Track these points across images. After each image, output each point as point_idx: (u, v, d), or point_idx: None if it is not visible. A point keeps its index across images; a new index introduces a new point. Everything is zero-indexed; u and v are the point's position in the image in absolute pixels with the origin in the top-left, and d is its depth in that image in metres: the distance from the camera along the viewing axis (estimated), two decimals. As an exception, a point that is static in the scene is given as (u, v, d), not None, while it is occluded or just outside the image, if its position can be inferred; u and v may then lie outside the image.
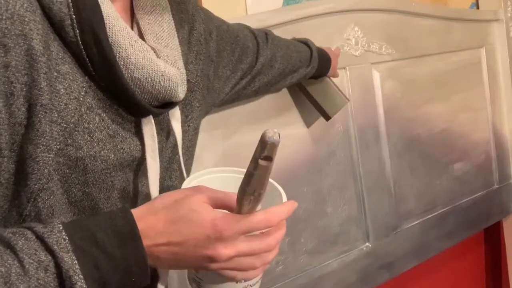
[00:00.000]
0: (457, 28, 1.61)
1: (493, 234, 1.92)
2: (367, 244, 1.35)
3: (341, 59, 1.28)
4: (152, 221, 0.48)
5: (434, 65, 1.54)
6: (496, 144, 1.75)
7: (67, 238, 0.44)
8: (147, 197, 0.59)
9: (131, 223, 0.47)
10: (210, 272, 0.51)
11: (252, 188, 0.46)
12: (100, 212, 0.53)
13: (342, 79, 1.29)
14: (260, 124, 1.11)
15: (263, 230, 0.50)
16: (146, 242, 0.47)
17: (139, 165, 0.57)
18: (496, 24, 1.75)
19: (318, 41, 1.18)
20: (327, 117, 1.14)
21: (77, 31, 0.48)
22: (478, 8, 1.80)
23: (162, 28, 0.59)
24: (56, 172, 0.48)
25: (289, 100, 1.17)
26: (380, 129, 1.37)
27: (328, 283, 1.26)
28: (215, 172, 0.60)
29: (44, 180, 0.47)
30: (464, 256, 1.83)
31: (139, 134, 0.56)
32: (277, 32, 1.05)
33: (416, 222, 1.48)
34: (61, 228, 0.44)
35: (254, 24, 1.10)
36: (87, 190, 0.52)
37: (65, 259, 0.43)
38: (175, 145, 0.63)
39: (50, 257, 0.43)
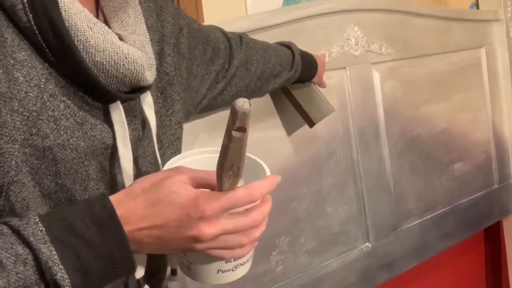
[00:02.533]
0: (457, 28, 1.61)
1: (493, 234, 1.92)
2: (367, 244, 1.35)
3: (341, 59, 1.28)
4: (131, 206, 0.47)
5: (434, 65, 1.54)
6: (496, 144, 1.75)
7: (44, 229, 0.43)
8: (124, 187, 0.57)
9: (109, 209, 0.46)
10: (198, 254, 0.51)
11: (229, 162, 0.45)
12: (74, 202, 0.52)
13: (342, 79, 1.29)
14: (260, 124, 1.11)
15: (247, 206, 0.49)
16: (127, 227, 0.46)
17: (114, 153, 0.55)
18: (496, 24, 1.75)
19: (318, 41, 1.18)
20: (311, 124, 1.11)
21: (30, 15, 0.46)
22: (478, 8, 1.80)
23: (128, 15, 0.57)
24: (25, 164, 0.46)
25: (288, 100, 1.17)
26: (380, 129, 1.37)
27: (328, 283, 1.26)
28: (197, 154, 0.59)
29: (13, 172, 0.45)
30: (464, 256, 1.83)
31: (109, 121, 0.54)
32: (277, 32, 1.05)
33: (416, 222, 1.48)
34: (37, 219, 0.43)
35: (254, 24, 1.10)
36: (60, 181, 0.50)
37: (42, 250, 0.42)
38: (150, 135, 0.61)
39: (27, 250, 0.42)
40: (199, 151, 0.60)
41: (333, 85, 1.27)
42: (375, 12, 1.37)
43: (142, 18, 0.59)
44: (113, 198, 0.47)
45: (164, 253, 0.53)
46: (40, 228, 0.43)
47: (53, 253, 0.42)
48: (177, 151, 0.68)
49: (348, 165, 1.30)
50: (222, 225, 0.47)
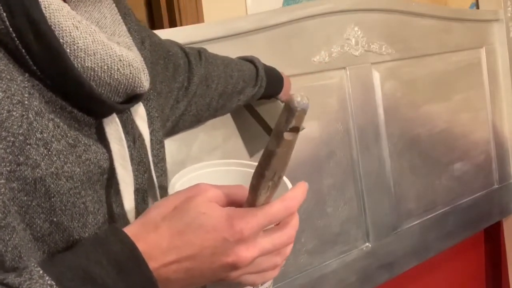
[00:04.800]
0: (457, 28, 1.61)
1: (493, 234, 1.92)
2: (367, 244, 1.35)
3: (341, 59, 1.28)
4: (153, 238, 0.39)
5: (434, 65, 1.54)
6: (496, 144, 1.75)
7: (54, 284, 0.35)
8: (125, 220, 0.48)
9: (129, 246, 0.38)
10: (222, 284, 0.43)
11: (272, 171, 0.38)
12: (80, 243, 0.41)
13: (342, 79, 1.29)
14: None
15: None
16: (151, 265, 0.38)
17: (110, 179, 0.46)
18: (496, 24, 1.75)
19: (318, 41, 1.18)
20: None
21: (4, 14, 0.37)
22: (478, 8, 1.80)
23: (104, 15, 0.47)
24: (12, 202, 0.37)
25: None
26: (380, 129, 1.37)
27: (328, 283, 1.26)
28: (201, 168, 0.53)
29: (0, 215, 0.36)
30: (464, 256, 1.83)
31: (103, 140, 0.45)
32: (277, 32, 1.05)
33: (416, 222, 1.48)
34: (41, 272, 0.35)
35: (254, 24, 1.10)
36: (55, 219, 0.40)
37: None
38: (145, 153, 0.52)
39: None
40: (202, 165, 0.53)
41: (333, 85, 1.27)
42: (375, 12, 1.37)
43: (120, 18, 0.50)
44: (129, 231, 0.40)
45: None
46: (49, 282, 0.35)
47: None
48: (163, 173, 0.58)
49: (348, 165, 1.30)
50: (260, 246, 0.41)
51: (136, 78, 0.45)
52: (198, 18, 1.24)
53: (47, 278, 0.35)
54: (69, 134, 0.41)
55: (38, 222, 0.39)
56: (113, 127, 0.45)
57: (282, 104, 1.02)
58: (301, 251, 1.20)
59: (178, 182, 0.50)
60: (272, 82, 0.98)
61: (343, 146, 1.29)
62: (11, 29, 0.37)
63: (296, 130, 0.35)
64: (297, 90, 1.16)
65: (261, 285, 0.47)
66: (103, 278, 0.36)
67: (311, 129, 1.17)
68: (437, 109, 1.54)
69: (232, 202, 0.43)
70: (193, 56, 0.81)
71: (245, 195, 0.42)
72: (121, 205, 0.47)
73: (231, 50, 1.07)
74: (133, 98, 0.48)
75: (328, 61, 1.23)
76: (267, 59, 1.06)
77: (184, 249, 0.39)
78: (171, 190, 0.49)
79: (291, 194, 0.42)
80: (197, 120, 0.86)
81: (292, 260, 1.18)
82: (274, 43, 1.14)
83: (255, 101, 0.99)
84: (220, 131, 1.05)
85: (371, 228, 1.35)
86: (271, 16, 1.13)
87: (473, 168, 1.66)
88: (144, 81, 0.47)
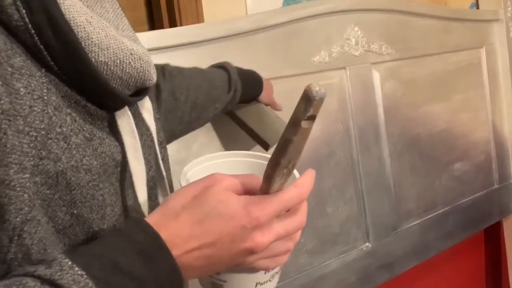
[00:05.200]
0: (457, 28, 1.61)
1: (493, 234, 1.92)
2: (367, 244, 1.35)
3: (341, 59, 1.28)
4: (175, 227, 0.41)
5: (434, 65, 1.54)
6: (496, 144, 1.75)
7: (84, 273, 0.36)
8: (139, 212, 0.49)
9: (153, 235, 0.39)
10: (235, 269, 0.45)
11: (288, 158, 0.40)
12: (101, 234, 0.43)
13: (342, 79, 1.29)
14: (260, 124, 1.11)
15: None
16: (174, 252, 0.40)
17: (123, 172, 0.47)
18: (496, 24, 1.75)
19: (318, 41, 1.18)
20: (266, 147, 0.98)
21: (23, 11, 0.38)
22: (478, 8, 1.80)
23: (107, 10, 0.48)
24: (36, 196, 0.38)
25: (288, 100, 1.17)
26: (380, 129, 1.37)
27: (328, 283, 1.26)
28: (211, 159, 0.54)
29: (26, 208, 0.37)
30: (464, 256, 1.83)
31: (115, 133, 0.46)
32: (277, 32, 1.05)
33: (416, 222, 1.48)
34: (69, 263, 0.36)
35: (254, 24, 1.10)
36: (75, 212, 0.41)
37: None
38: (150, 145, 0.53)
39: None
40: (217, 155, 0.55)
41: (333, 85, 1.27)
42: (375, 12, 1.37)
43: (122, 12, 0.50)
44: (150, 220, 0.41)
45: (209, 273, 0.46)
46: (79, 272, 0.36)
47: None
48: (168, 172, 0.59)
49: (348, 165, 1.30)
50: (275, 231, 0.42)
51: (146, 72, 0.46)
52: (198, 18, 1.24)
53: (76, 268, 0.36)
54: (85, 128, 0.43)
55: (60, 214, 0.40)
56: (125, 120, 0.46)
57: (266, 108, 1.01)
58: (301, 251, 1.20)
59: (189, 172, 0.51)
60: (249, 85, 0.95)
61: (343, 146, 1.29)
62: (30, 25, 0.38)
63: (312, 118, 0.37)
64: (297, 91, 1.16)
65: (272, 269, 0.48)
66: (130, 267, 0.37)
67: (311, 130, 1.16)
68: (437, 109, 1.55)
69: (246, 191, 0.44)
70: (157, 73, 0.79)
71: (257, 183, 0.44)
72: (134, 197, 0.48)
73: (231, 50, 1.07)
74: (141, 91, 0.49)
75: (328, 61, 1.24)
76: (267, 59, 1.07)
77: (205, 237, 0.41)
78: (183, 178, 0.50)
79: (301, 181, 0.44)
80: (170, 136, 0.83)
81: (292, 260, 1.18)
82: (274, 43, 1.14)
83: (236, 105, 0.96)
84: (220, 132, 1.05)
85: (371, 228, 1.35)
86: (271, 16, 1.13)
87: (473, 168, 1.67)
88: (153, 74, 0.48)
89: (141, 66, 0.45)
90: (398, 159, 1.42)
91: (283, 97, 1.15)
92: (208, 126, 1.00)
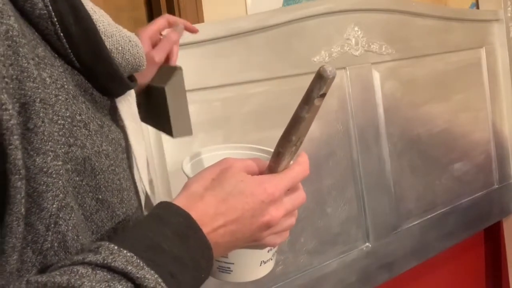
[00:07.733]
0: (457, 28, 1.61)
1: (493, 234, 1.92)
2: (367, 244, 1.35)
3: (341, 59, 1.28)
4: (201, 207, 0.43)
5: (434, 65, 1.54)
6: (496, 144, 1.75)
7: (133, 255, 0.37)
8: (146, 195, 0.52)
9: (186, 216, 0.42)
10: (241, 250, 0.49)
11: (298, 135, 0.43)
12: (124, 220, 0.46)
13: (342, 79, 1.29)
14: (260, 123, 1.11)
15: None
16: (204, 230, 0.42)
17: (129, 157, 0.49)
18: (496, 24, 1.75)
19: (318, 41, 1.18)
20: (171, 135, 0.89)
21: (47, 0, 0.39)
22: (478, 8, 1.80)
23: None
24: (68, 183, 0.39)
25: (288, 100, 1.17)
26: (380, 129, 1.37)
27: (328, 283, 1.26)
28: (212, 151, 0.57)
29: (62, 195, 0.38)
30: (464, 256, 1.83)
31: (117, 118, 0.48)
32: (277, 32, 1.05)
33: (416, 222, 1.48)
34: (116, 247, 0.37)
35: (254, 24, 1.10)
36: (100, 197, 0.43)
37: (147, 276, 0.36)
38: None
39: (130, 284, 0.36)
40: (218, 147, 0.58)
41: (333, 85, 1.25)
42: (375, 12, 1.37)
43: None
44: (179, 203, 0.43)
45: (232, 250, 0.49)
46: (128, 254, 0.37)
47: (156, 277, 0.37)
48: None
49: (348, 165, 1.30)
50: (285, 206, 0.46)
51: (141, 58, 0.49)
52: (198, 18, 1.24)
53: (125, 251, 0.37)
54: (96, 116, 0.44)
55: (87, 200, 0.42)
56: (126, 105, 0.49)
57: (187, 106, 0.85)
58: (301, 251, 1.20)
59: (190, 163, 0.54)
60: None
61: (343, 146, 1.29)
62: (53, 13, 0.39)
63: (323, 96, 0.40)
64: (297, 91, 1.16)
65: (273, 248, 0.51)
66: (170, 247, 0.39)
67: (311, 129, 1.16)
68: (437, 109, 1.55)
69: (255, 172, 0.48)
70: None
71: (263, 165, 0.48)
72: (139, 180, 0.51)
73: (231, 50, 1.07)
74: (131, 77, 0.51)
75: (328, 61, 1.24)
76: (267, 59, 1.07)
77: (229, 214, 0.44)
78: (185, 167, 0.53)
79: (302, 159, 0.48)
80: None
81: (292, 260, 1.18)
82: (274, 43, 1.14)
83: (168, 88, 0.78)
84: (220, 131, 1.05)
85: (371, 228, 1.35)
86: (271, 16, 1.13)
87: (473, 168, 1.67)
88: (145, 60, 0.51)
89: (137, 53, 0.48)
90: (398, 159, 1.42)
91: (283, 97, 1.15)
92: (208, 126, 1.00)
